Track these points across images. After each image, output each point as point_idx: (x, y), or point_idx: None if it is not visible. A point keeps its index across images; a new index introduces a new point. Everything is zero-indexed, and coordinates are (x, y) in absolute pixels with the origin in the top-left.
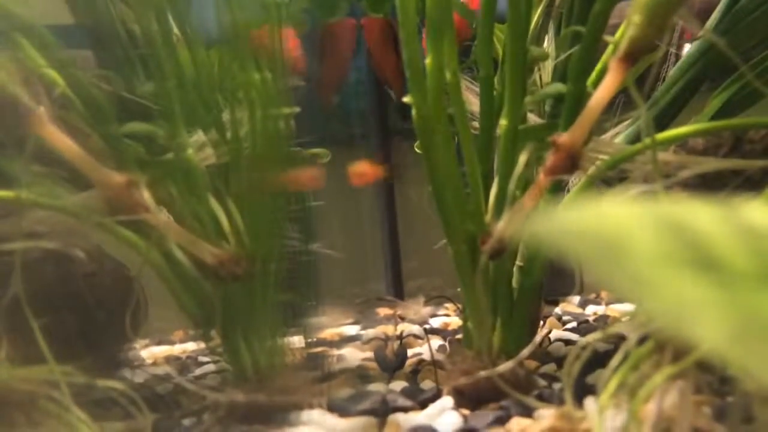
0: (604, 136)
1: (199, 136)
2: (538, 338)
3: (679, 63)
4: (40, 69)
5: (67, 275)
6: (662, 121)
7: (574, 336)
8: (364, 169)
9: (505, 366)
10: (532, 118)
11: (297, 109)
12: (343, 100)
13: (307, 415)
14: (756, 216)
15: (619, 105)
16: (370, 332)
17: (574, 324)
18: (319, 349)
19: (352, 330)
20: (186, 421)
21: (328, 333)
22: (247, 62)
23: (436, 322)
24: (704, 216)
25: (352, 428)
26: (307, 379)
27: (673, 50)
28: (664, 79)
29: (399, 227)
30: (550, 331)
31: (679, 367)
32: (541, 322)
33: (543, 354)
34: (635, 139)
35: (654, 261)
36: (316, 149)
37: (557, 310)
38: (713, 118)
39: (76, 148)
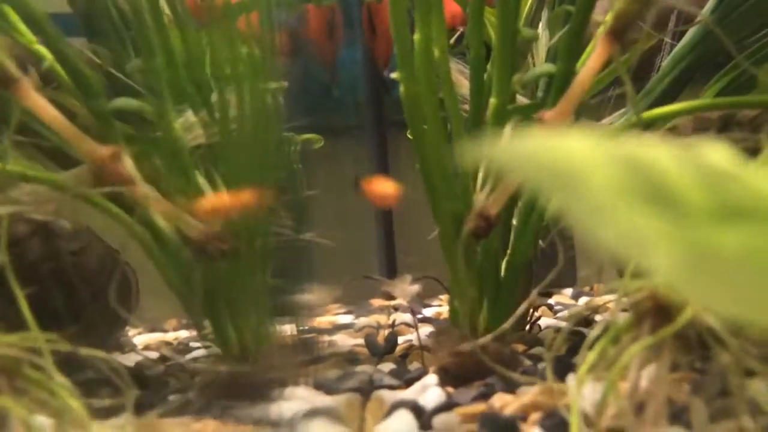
0: (604, 121)
1: (189, 115)
2: (521, 309)
3: (673, 53)
4: (29, 43)
5: (54, 251)
6: None
7: (564, 324)
8: (386, 190)
9: (486, 339)
10: (522, 101)
11: (285, 84)
12: (338, 90)
13: (292, 391)
14: (715, 156)
15: (612, 98)
16: (363, 321)
17: (565, 313)
18: (311, 334)
19: (346, 319)
20: (172, 397)
21: (321, 321)
22: (235, 39)
23: (429, 312)
24: (664, 154)
25: (336, 402)
26: (294, 359)
27: (667, 40)
28: (658, 69)
29: (393, 220)
30: (539, 317)
31: (657, 337)
32: (532, 310)
33: (532, 339)
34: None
35: (611, 193)
36: (308, 135)
37: (550, 301)
38: None
39: (61, 119)
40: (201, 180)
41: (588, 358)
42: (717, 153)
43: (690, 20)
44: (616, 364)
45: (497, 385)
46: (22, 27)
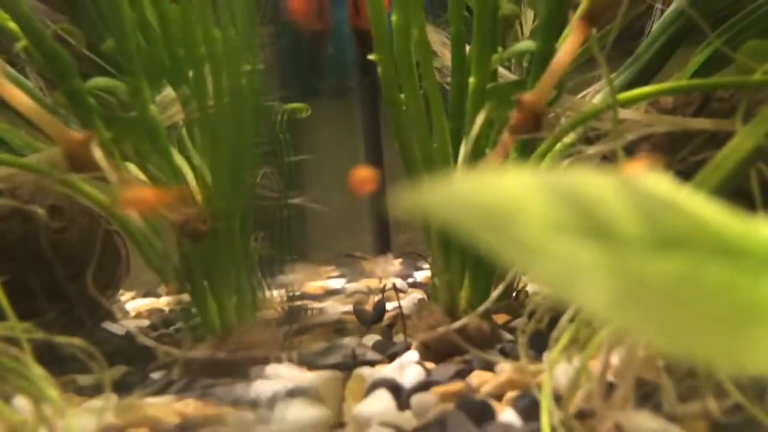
0: (592, 89)
1: (168, 92)
2: (495, 293)
3: (663, 17)
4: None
5: (34, 232)
6: (645, 76)
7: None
8: (364, 176)
9: (461, 321)
10: (505, 75)
11: (266, 54)
12: (333, 51)
13: (272, 368)
14: (654, 186)
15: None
16: (354, 286)
17: None
18: (300, 302)
19: (337, 283)
20: (155, 375)
21: (312, 287)
22: (207, 18)
23: (419, 276)
24: (600, 185)
25: (316, 381)
26: (275, 334)
27: (658, 5)
28: (648, 33)
29: (387, 181)
30: (525, 285)
31: None
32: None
33: (518, 307)
34: (621, 90)
35: (544, 229)
36: (295, 104)
37: None
38: (696, 73)
39: (32, 104)
40: (178, 158)
41: (560, 342)
42: (656, 182)
43: None
44: (588, 345)
45: (476, 362)
46: None
